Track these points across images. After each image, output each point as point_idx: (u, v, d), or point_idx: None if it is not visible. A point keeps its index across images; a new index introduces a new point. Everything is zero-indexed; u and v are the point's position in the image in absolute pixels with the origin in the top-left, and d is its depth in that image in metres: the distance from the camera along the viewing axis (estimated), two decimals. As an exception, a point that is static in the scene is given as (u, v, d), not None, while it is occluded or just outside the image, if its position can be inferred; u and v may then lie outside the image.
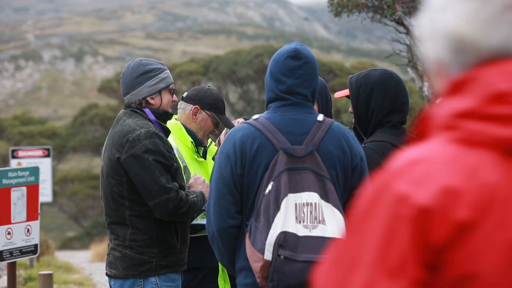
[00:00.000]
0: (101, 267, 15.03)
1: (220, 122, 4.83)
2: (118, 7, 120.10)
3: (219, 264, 4.64)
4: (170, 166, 4.04)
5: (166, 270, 4.07)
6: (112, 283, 4.13)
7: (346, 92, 4.24)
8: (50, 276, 6.90)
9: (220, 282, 4.66)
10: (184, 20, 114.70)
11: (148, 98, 4.16)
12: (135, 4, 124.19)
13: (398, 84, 4.05)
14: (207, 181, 4.77)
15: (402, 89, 4.06)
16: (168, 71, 4.25)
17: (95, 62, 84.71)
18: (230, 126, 4.80)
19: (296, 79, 3.42)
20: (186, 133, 4.78)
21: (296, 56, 3.43)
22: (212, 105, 4.81)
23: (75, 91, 77.05)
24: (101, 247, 21.23)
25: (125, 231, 4.06)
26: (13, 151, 14.15)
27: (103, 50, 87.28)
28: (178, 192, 4.01)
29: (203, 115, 4.82)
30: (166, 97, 4.22)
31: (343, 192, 3.40)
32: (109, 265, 4.13)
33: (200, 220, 4.53)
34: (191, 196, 4.09)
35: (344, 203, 3.42)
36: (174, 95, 4.30)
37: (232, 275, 4.59)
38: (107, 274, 4.16)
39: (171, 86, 4.24)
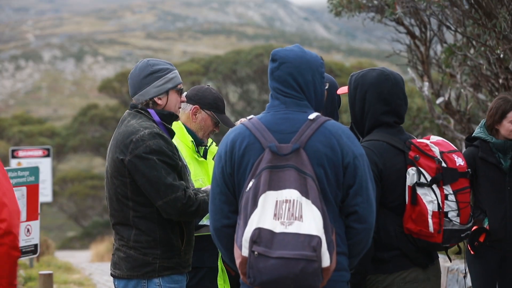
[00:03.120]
0: (101, 267, 15.03)
1: (220, 122, 4.83)
2: (118, 7, 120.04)
3: (219, 264, 4.65)
4: (176, 166, 4.05)
5: (169, 271, 4.07)
6: (116, 283, 4.14)
7: (346, 89, 4.27)
8: (50, 276, 6.89)
9: (220, 282, 4.66)
10: (184, 20, 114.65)
11: (156, 99, 4.18)
12: (135, 4, 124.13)
13: (394, 85, 4.03)
14: (208, 181, 4.78)
15: (398, 91, 4.04)
16: (176, 71, 4.25)
17: (95, 62, 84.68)
18: (230, 125, 4.80)
19: (275, 81, 3.51)
20: (187, 133, 4.78)
21: (272, 58, 3.55)
22: (211, 104, 4.81)
23: (75, 91, 77.05)
24: (101, 247, 21.24)
25: (129, 232, 4.06)
26: (13, 151, 14.15)
27: (103, 50, 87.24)
28: (186, 190, 4.01)
29: (202, 114, 4.82)
30: (174, 97, 4.22)
31: (336, 191, 3.40)
32: (114, 265, 4.13)
33: (206, 221, 4.52)
34: (201, 195, 4.09)
35: (340, 202, 3.42)
36: (183, 95, 4.31)
37: (232, 275, 4.60)
38: (111, 274, 4.16)
39: (179, 86, 4.24)
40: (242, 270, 3.26)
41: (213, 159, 4.90)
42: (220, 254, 4.55)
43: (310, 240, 3.19)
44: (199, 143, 4.83)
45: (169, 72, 4.20)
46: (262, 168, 3.30)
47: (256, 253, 3.19)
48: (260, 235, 3.19)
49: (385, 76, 4.04)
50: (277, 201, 3.24)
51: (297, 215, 3.22)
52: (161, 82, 4.18)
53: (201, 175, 4.76)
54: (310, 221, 3.22)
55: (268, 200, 3.24)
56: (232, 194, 3.42)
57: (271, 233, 3.20)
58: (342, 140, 3.42)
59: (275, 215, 3.22)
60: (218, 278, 4.67)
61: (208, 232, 4.49)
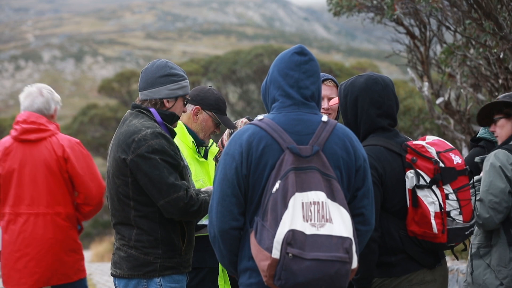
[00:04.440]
0: (101, 267, 15.02)
1: (221, 123, 4.83)
2: (118, 7, 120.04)
3: (219, 264, 4.63)
4: (178, 165, 4.05)
5: (170, 271, 4.07)
6: (116, 282, 4.13)
7: (337, 100, 4.28)
8: (50, 276, 6.87)
9: (220, 282, 4.66)
10: (184, 20, 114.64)
11: (165, 100, 4.19)
12: (135, 4, 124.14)
13: (384, 88, 4.04)
14: (209, 181, 4.78)
15: (388, 93, 4.05)
16: (188, 81, 4.28)
17: (95, 62, 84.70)
18: (231, 126, 4.80)
19: (303, 73, 3.48)
20: (188, 133, 4.78)
21: (302, 52, 3.51)
22: (213, 105, 4.81)
23: (75, 91, 77.07)
24: (101, 247, 21.24)
25: (131, 231, 4.06)
26: (13, 151, 14.11)
27: (103, 50, 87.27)
28: (188, 190, 4.02)
29: (204, 115, 4.82)
30: (180, 105, 4.25)
31: (346, 193, 3.42)
32: (114, 264, 4.13)
33: (205, 220, 4.52)
34: (202, 195, 4.09)
35: (347, 204, 3.42)
36: (186, 106, 4.32)
37: (232, 276, 4.60)
38: (112, 274, 4.16)
39: (187, 96, 4.27)
40: (270, 272, 3.22)
41: (213, 159, 4.91)
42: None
43: (343, 242, 3.21)
44: (200, 144, 4.83)
45: (183, 80, 4.24)
46: (287, 170, 3.29)
47: (290, 255, 3.17)
48: (294, 237, 3.18)
49: (373, 79, 4.05)
50: (303, 202, 3.23)
51: (327, 217, 3.23)
52: (174, 87, 4.19)
53: (202, 175, 4.76)
54: (340, 223, 3.24)
55: (297, 202, 3.23)
56: (243, 196, 3.39)
57: (303, 235, 3.19)
58: (353, 142, 3.47)
59: (303, 217, 3.21)
60: (219, 279, 4.67)
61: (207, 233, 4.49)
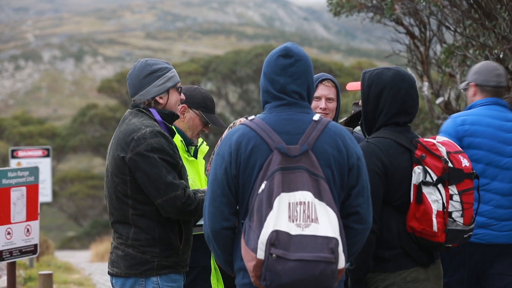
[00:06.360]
0: (101, 267, 15.03)
1: (209, 121, 4.82)
2: (118, 7, 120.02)
3: (212, 263, 4.65)
4: (176, 164, 4.06)
5: (167, 270, 4.07)
6: (114, 281, 4.13)
7: (358, 86, 4.25)
8: (50, 276, 6.89)
9: (213, 281, 4.66)
10: (184, 20, 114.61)
11: (157, 98, 4.18)
12: (135, 4, 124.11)
13: (410, 86, 4.04)
14: (198, 181, 4.78)
15: (412, 92, 4.05)
16: (174, 70, 4.27)
17: (95, 62, 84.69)
18: (219, 125, 4.81)
19: (289, 77, 3.45)
20: (176, 132, 4.78)
21: (287, 54, 3.47)
22: (199, 103, 4.81)
23: (75, 91, 77.06)
24: (101, 247, 21.23)
25: (128, 230, 4.06)
26: (12, 151, 14.16)
27: (103, 50, 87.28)
28: (185, 189, 4.02)
29: (191, 114, 4.82)
30: (174, 96, 4.24)
31: (340, 192, 3.41)
32: (112, 263, 4.13)
33: (201, 220, 4.52)
34: (200, 195, 4.09)
35: (341, 203, 3.42)
36: (182, 94, 4.32)
37: (228, 275, 4.61)
38: (109, 273, 4.16)
39: (178, 84, 4.26)
40: (256, 273, 3.22)
41: (204, 158, 4.91)
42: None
43: (328, 242, 3.19)
44: (188, 143, 4.82)
45: (168, 71, 4.22)
46: (274, 170, 3.28)
47: (274, 255, 3.16)
48: (278, 238, 3.17)
49: (401, 76, 4.03)
50: (290, 203, 3.22)
51: (313, 217, 3.21)
52: (161, 81, 4.19)
53: (192, 174, 4.75)
54: (326, 223, 3.22)
55: (282, 202, 3.22)
56: (234, 196, 3.39)
57: (288, 235, 3.18)
58: (346, 141, 3.44)
59: (289, 217, 3.20)
60: (212, 277, 4.67)
61: (201, 232, 4.50)
